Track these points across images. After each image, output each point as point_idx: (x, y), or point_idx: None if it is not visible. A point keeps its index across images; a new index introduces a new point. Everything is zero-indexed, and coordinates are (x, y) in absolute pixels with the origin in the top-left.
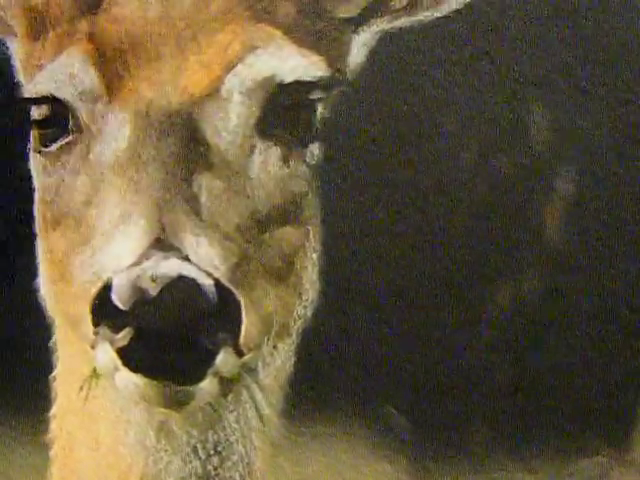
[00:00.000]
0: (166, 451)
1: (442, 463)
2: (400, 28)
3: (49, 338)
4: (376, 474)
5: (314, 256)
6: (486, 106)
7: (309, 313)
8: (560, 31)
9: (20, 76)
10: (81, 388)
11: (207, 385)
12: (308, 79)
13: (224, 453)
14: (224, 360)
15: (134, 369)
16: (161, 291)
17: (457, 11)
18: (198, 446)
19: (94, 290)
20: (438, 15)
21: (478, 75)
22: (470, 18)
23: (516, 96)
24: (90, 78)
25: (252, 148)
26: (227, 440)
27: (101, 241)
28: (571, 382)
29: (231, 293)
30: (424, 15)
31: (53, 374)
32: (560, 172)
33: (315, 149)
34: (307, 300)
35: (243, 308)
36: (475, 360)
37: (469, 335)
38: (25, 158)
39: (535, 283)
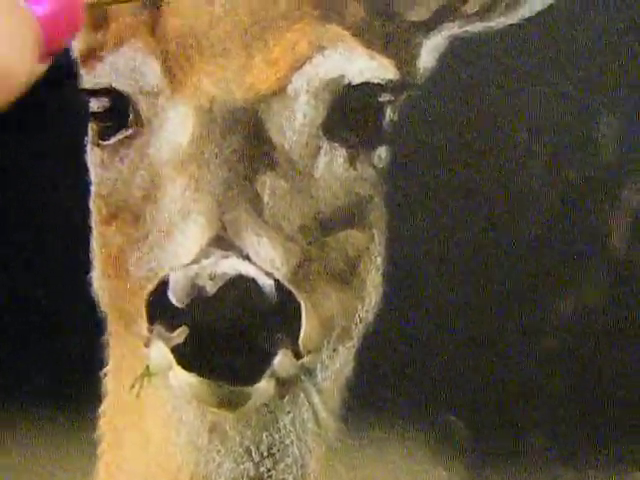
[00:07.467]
0: (218, 452)
1: (498, 470)
2: (471, 34)
3: (101, 334)
4: None
5: (378, 260)
6: (555, 115)
7: (371, 317)
8: (631, 43)
9: (79, 67)
10: (132, 386)
11: (263, 386)
12: (377, 81)
13: (278, 455)
14: (282, 362)
15: (188, 368)
16: (219, 290)
17: (528, 19)
18: (251, 448)
19: (150, 287)
20: (510, 22)
21: (547, 84)
22: (540, 26)
23: (585, 106)
24: (152, 71)
25: (317, 148)
26: (282, 442)
27: (159, 237)
28: (630, 393)
29: (291, 294)
30: (495, 22)
31: (103, 371)
32: (627, 183)
33: (383, 152)
34: (370, 304)
35: (303, 310)
36: (536, 369)
37: (531, 343)
38: (82, 151)
39: (599, 293)
